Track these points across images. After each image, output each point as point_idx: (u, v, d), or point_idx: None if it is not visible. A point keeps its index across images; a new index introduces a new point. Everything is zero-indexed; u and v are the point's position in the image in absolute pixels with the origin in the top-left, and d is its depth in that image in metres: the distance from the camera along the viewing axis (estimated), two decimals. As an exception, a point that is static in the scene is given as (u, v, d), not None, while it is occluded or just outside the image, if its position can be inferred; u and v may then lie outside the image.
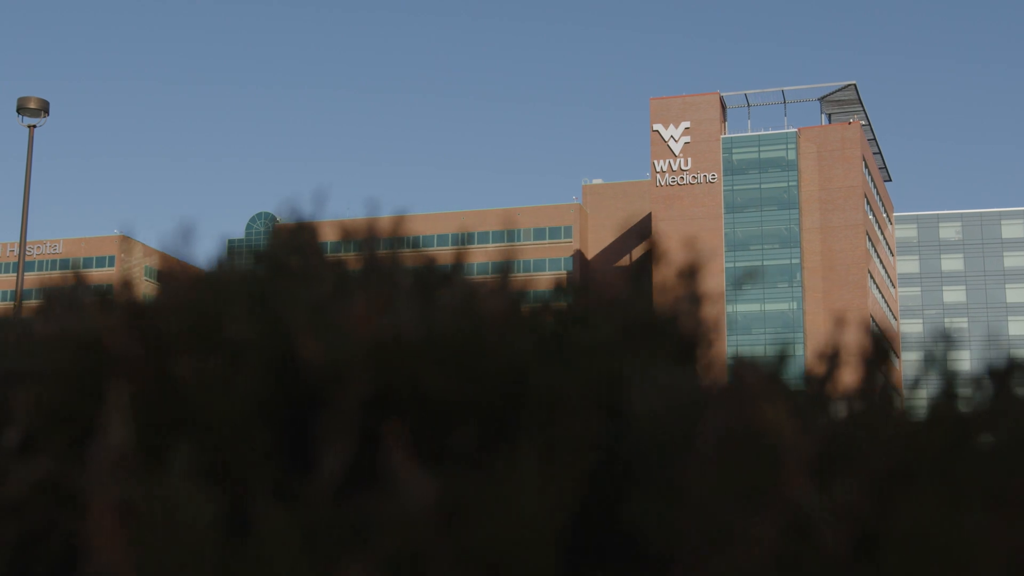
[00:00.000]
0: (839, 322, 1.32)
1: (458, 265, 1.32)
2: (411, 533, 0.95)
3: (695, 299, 1.26)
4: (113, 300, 1.17)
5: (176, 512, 0.95)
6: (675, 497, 0.97)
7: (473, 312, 1.11)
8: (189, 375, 1.05)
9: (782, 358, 1.21)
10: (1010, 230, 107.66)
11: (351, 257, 1.35)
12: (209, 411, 1.05)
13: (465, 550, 0.94)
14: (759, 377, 1.00)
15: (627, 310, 1.23)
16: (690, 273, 1.26)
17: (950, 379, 1.22)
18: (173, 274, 1.21)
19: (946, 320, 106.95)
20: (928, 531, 0.99)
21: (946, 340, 1.28)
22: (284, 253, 1.30)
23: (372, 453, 1.03)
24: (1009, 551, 0.99)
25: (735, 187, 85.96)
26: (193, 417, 1.05)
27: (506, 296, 1.19)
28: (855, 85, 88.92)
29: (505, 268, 1.25)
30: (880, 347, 1.27)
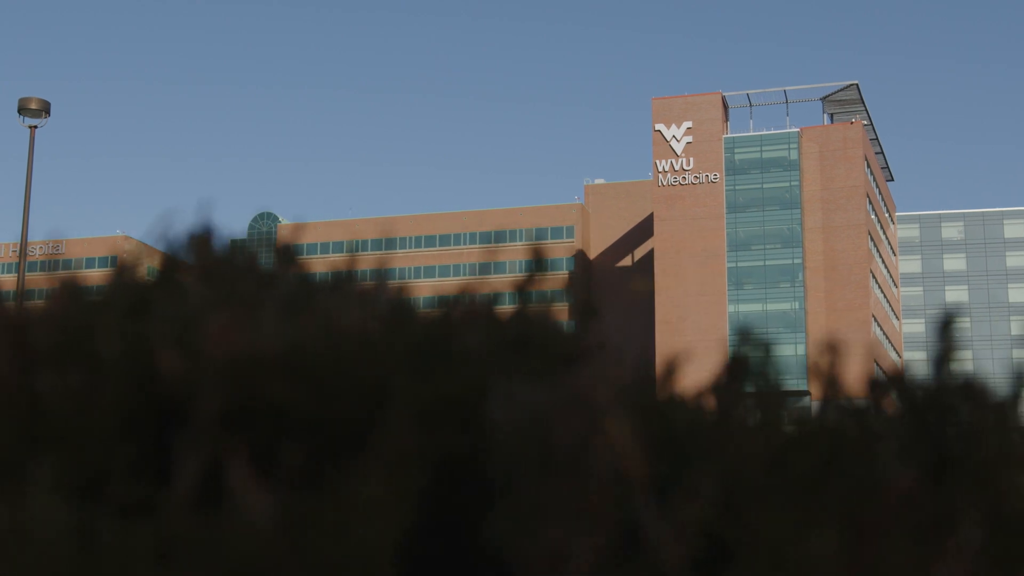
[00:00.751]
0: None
1: (348, 273, 1.30)
2: (250, 550, 0.95)
3: (583, 311, 1.26)
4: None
5: (34, 528, 0.94)
6: (522, 513, 0.98)
7: (332, 325, 1.09)
8: (52, 389, 1.04)
9: (671, 372, 1.21)
10: (1012, 230, 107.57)
11: (254, 266, 1.31)
12: (71, 425, 1.04)
13: (304, 568, 0.94)
14: (608, 390, 1.00)
15: (500, 322, 1.23)
16: (577, 284, 1.25)
17: (832, 393, 1.22)
18: (56, 286, 1.20)
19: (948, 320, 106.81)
20: (776, 547, 0.99)
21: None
22: (170, 266, 1.29)
23: (227, 469, 1.02)
24: (855, 569, 1.00)
25: (737, 187, 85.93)
26: (56, 432, 1.04)
27: (378, 306, 1.19)
28: (857, 85, 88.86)
29: (382, 276, 1.26)
30: (740, 362, 1.25)
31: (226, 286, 1.22)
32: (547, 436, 0.98)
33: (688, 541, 0.99)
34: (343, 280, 1.29)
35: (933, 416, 1.20)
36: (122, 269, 1.27)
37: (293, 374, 1.06)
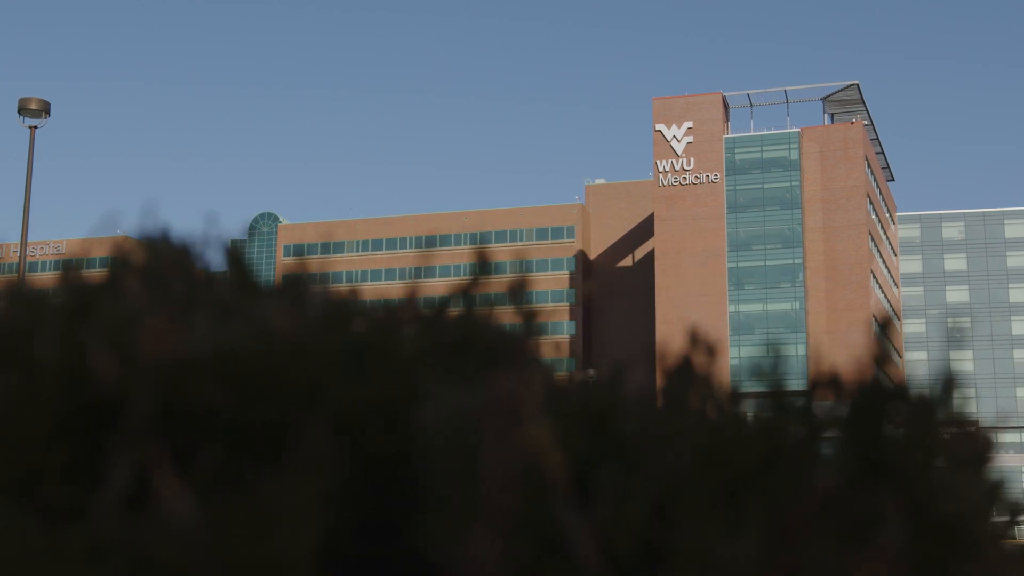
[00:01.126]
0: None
1: (300, 277, 1.29)
2: (171, 553, 0.95)
3: (524, 315, 1.26)
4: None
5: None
6: (447, 516, 0.98)
7: (264, 327, 1.10)
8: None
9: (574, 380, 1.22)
10: (1013, 230, 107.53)
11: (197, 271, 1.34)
12: (2, 427, 1.04)
13: (225, 570, 0.94)
14: (532, 394, 0.99)
15: (438, 325, 1.23)
16: (517, 287, 1.26)
17: (775, 394, 1.22)
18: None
19: (949, 320, 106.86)
20: (701, 550, 0.99)
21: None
22: (117, 267, 1.30)
23: (152, 472, 1.02)
24: (779, 571, 1.00)
25: (738, 187, 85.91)
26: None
27: (313, 309, 1.19)
28: (858, 85, 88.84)
29: (299, 280, 1.25)
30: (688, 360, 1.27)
31: (164, 288, 1.22)
32: (469, 439, 0.98)
33: (613, 545, 0.99)
34: (289, 282, 1.29)
35: (866, 419, 1.20)
36: (68, 270, 1.27)
37: (223, 377, 1.06)
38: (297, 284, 1.27)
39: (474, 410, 0.98)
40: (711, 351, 1.28)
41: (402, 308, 1.22)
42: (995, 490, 1.30)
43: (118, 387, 1.06)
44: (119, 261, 1.28)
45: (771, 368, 1.24)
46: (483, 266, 1.32)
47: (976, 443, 1.30)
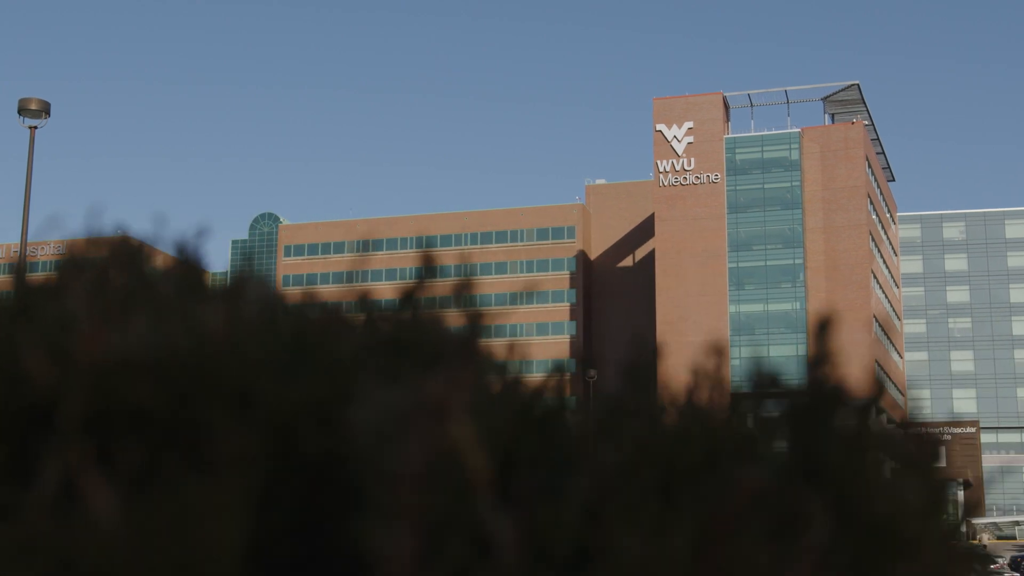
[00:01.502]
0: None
1: (246, 277, 1.29)
2: (96, 553, 0.95)
3: (471, 316, 1.26)
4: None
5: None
6: (375, 516, 0.99)
7: (199, 328, 1.10)
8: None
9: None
10: (1014, 230, 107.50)
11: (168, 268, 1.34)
12: None
13: (150, 569, 0.94)
14: (460, 394, 1.00)
15: (377, 326, 1.24)
16: (462, 288, 1.26)
17: (713, 395, 1.23)
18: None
19: (950, 320, 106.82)
20: (630, 551, 0.99)
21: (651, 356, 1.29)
22: (66, 268, 1.30)
23: (80, 473, 1.02)
24: (707, 571, 1.01)
25: (738, 187, 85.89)
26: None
27: (251, 309, 1.19)
28: (858, 85, 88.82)
29: (244, 281, 1.25)
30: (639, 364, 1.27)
31: (105, 289, 1.22)
32: (394, 439, 0.99)
33: (545, 545, 1.00)
34: (235, 283, 1.28)
35: (801, 420, 1.21)
36: (18, 271, 1.28)
37: (156, 378, 1.06)
38: (242, 285, 1.26)
39: (400, 410, 0.99)
40: (654, 354, 1.28)
41: (340, 309, 1.23)
42: (939, 491, 1.30)
43: (52, 388, 1.05)
44: (66, 262, 1.28)
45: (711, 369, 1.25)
46: (429, 269, 1.32)
47: (921, 445, 1.30)
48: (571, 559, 1.01)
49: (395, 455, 0.97)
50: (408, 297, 1.29)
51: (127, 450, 1.03)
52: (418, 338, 1.21)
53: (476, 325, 1.28)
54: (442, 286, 1.27)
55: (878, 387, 1.23)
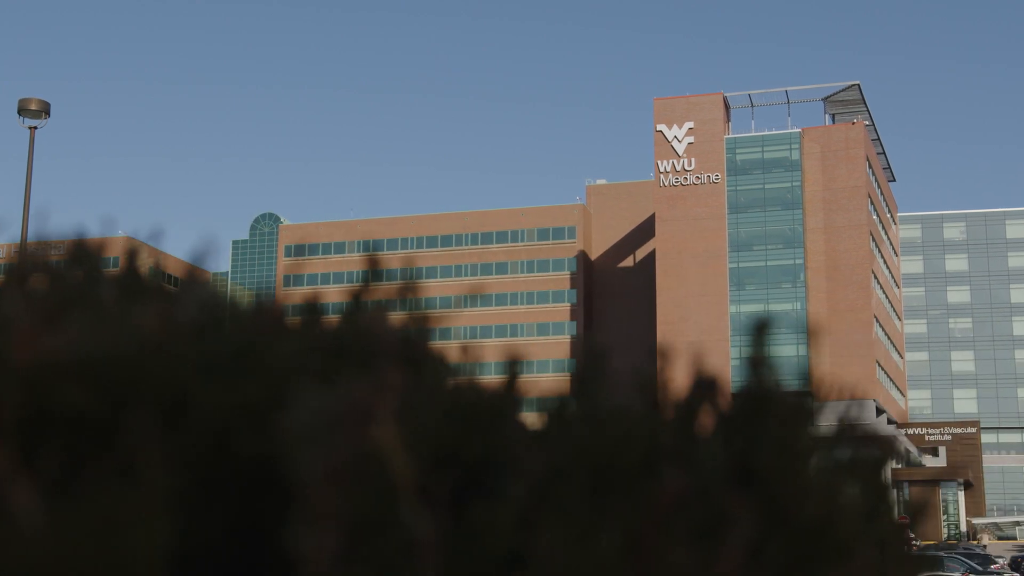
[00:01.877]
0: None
1: (193, 280, 1.29)
2: (16, 558, 0.95)
3: (415, 320, 1.27)
4: None
5: None
6: (305, 520, 0.99)
7: (133, 330, 1.10)
8: None
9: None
10: (1014, 230, 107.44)
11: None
12: None
13: (73, 573, 0.95)
14: (389, 396, 1.01)
15: (317, 329, 1.24)
16: (405, 291, 1.27)
17: (648, 397, 1.24)
18: None
19: (950, 320, 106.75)
20: (560, 554, 1.00)
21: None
22: (11, 271, 1.29)
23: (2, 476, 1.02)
24: (637, 573, 1.01)
25: (739, 187, 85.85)
26: None
27: (187, 311, 1.19)
28: (859, 85, 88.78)
29: (189, 283, 1.25)
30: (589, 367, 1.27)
31: (43, 290, 1.23)
32: (327, 442, 0.99)
33: (475, 549, 1.01)
34: (182, 286, 1.28)
35: (736, 422, 1.21)
36: None
37: (89, 380, 1.07)
38: (186, 288, 1.25)
39: (328, 412, 1.00)
40: (601, 357, 1.29)
41: (279, 311, 1.24)
42: (881, 494, 1.30)
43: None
44: (11, 265, 1.28)
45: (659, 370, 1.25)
46: (374, 272, 1.32)
47: (866, 447, 1.30)
48: (499, 563, 1.01)
49: (318, 457, 0.98)
50: (354, 299, 1.28)
51: (57, 454, 1.03)
52: (359, 341, 1.21)
53: (421, 328, 1.27)
54: (387, 289, 1.28)
55: (822, 389, 1.25)
